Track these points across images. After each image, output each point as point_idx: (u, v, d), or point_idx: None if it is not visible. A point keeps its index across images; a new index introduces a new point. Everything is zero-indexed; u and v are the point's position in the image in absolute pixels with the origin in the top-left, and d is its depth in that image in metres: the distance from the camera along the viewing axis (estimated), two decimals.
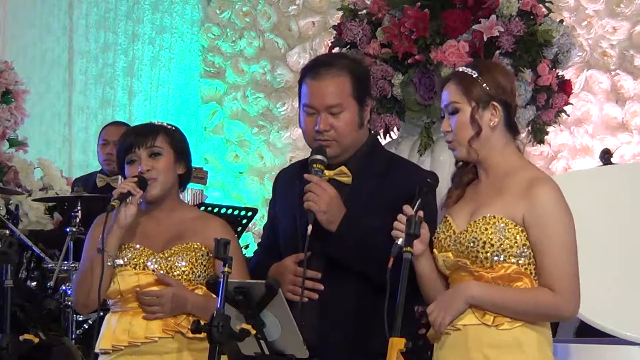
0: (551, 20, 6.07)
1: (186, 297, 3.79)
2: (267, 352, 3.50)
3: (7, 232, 6.72)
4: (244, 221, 6.47)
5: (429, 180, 3.52)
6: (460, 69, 3.56)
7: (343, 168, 3.82)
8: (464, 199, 3.54)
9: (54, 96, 9.74)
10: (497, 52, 5.84)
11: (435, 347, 3.50)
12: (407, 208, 3.43)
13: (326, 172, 3.81)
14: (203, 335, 3.34)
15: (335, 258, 3.73)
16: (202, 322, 3.36)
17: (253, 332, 3.43)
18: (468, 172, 3.57)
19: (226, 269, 3.38)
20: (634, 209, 4.32)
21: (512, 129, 3.53)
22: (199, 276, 3.83)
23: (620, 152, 9.11)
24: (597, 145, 9.04)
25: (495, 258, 3.38)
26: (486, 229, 3.39)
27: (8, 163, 8.15)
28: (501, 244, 3.38)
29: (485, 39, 5.80)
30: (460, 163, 3.59)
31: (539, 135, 6.26)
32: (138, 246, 3.86)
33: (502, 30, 5.83)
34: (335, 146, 3.79)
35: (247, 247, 7.84)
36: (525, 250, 3.39)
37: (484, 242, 3.38)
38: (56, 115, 9.76)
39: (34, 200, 7.76)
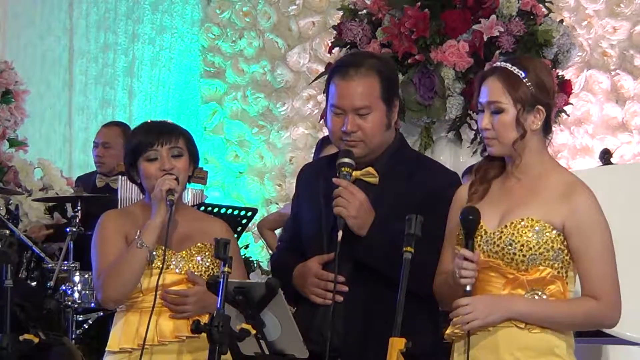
0: (551, 20, 6.08)
1: (213, 296, 3.78)
2: (267, 352, 3.50)
3: (7, 232, 6.72)
4: (244, 221, 6.47)
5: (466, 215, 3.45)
6: (505, 65, 3.49)
7: (370, 169, 3.80)
8: (491, 197, 3.49)
9: (54, 96, 9.74)
10: (497, 52, 5.84)
11: (457, 347, 3.45)
12: (465, 252, 3.36)
13: (353, 172, 3.80)
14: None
15: (362, 261, 3.72)
16: (202, 322, 3.37)
17: (253, 332, 3.43)
18: (495, 166, 3.53)
19: (226, 269, 3.38)
20: (634, 209, 4.31)
21: (547, 129, 3.51)
22: (217, 275, 3.84)
23: (620, 152, 9.11)
24: (597, 145, 9.03)
25: (532, 261, 3.35)
26: (524, 232, 3.36)
27: (8, 163, 8.15)
28: (539, 248, 3.35)
29: (485, 39, 5.81)
30: (486, 154, 3.54)
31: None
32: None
33: (502, 30, 5.83)
34: (362, 147, 3.77)
35: (247, 247, 7.86)
36: (560, 254, 3.37)
37: (522, 245, 3.35)
38: (56, 115, 9.76)
39: (34, 200, 7.76)
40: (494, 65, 3.59)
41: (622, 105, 9.18)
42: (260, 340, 3.48)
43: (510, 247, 3.36)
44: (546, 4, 6.13)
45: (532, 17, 5.96)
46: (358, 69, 3.78)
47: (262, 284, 3.44)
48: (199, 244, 3.88)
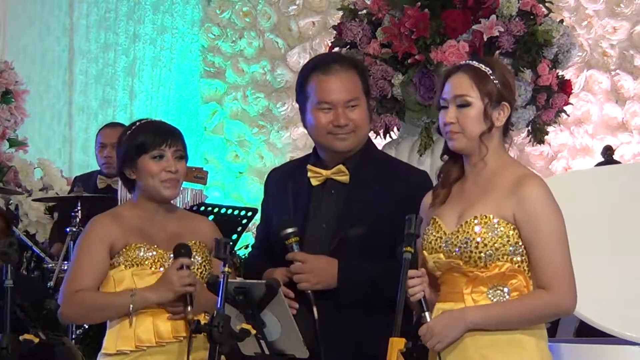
0: (551, 20, 6.07)
1: (207, 295, 3.79)
2: (267, 352, 3.50)
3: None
4: (244, 221, 6.46)
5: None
6: (471, 63, 3.51)
7: (341, 167, 3.82)
8: (450, 199, 3.52)
9: (54, 96, 9.75)
10: (497, 52, 5.84)
11: (430, 352, 3.46)
12: (410, 272, 3.38)
13: (323, 171, 3.82)
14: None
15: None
16: (202, 322, 3.37)
17: (253, 332, 3.43)
18: (456, 169, 3.54)
19: (226, 269, 3.38)
20: (634, 209, 4.32)
21: (506, 129, 3.54)
22: (209, 273, 3.85)
23: (620, 152, 9.11)
24: (597, 145, 9.04)
25: (490, 257, 3.37)
26: (478, 229, 3.38)
27: (8, 163, 8.16)
28: (494, 243, 3.36)
29: (485, 39, 5.80)
30: (446, 157, 3.56)
31: (539, 135, 6.25)
32: (145, 247, 3.85)
33: (502, 30, 5.83)
34: (353, 138, 3.80)
35: (247, 247, 7.85)
36: (519, 248, 3.38)
37: (477, 242, 3.37)
38: (56, 115, 9.77)
39: (34, 200, 7.76)
40: (459, 63, 3.60)
41: (622, 105, 9.19)
42: (260, 340, 3.48)
43: (466, 246, 3.37)
44: (546, 4, 6.12)
45: (532, 17, 5.96)
46: (340, 64, 3.82)
47: (262, 284, 3.44)
48: (190, 243, 3.88)
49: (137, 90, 9.96)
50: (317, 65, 3.86)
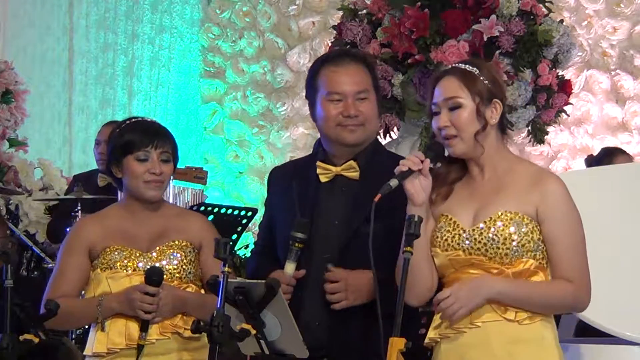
0: (551, 20, 6.08)
1: (184, 296, 3.79)
2: (267, 352, 3.50)
3: (7, 232, 6.72)
4: (244, 221, 6.46)
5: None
6: (457, 65, 3.54)
7: (352, 163, 3.82)
8: (458, 198, 3.51)
9: (54, 96, 9.74)
10: (497, 52, 5.84)
11: (443, 349, 3.45)
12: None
13: (333, 168, 3.82)
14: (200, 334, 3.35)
15: (346, 262, 3.73)
16: (201, 322, 3.37)
17: (253, 332, 3.43)
18: (454, 169, 3.55)
19: (226, 269, 3.38)
20: (634, 209, 4.32)
21: (503, 127, 3.54)
22: (189, 273, 3.84)
23: None
24: (597, 145, 9.02)
25: (515, 253, 3.37)
26: (505, 225, 3.38)
27: (8, 163, 8.15)
28: (520, 239, 3.38)
29: (485, 39, 5.81)
30: (436, 162, 3.56)
31: (539, 135, 6.26)
32: (122, 249, 3.84)
33: (502, 30, 5.83)
34: (362, 131, 3.81)
35: (247, 247, 7.85)
36: (540, 244, 3.40)
37: (505, 238, 3.37)
38: (56, 115, 9.76)
39: (34, 200, 7.76)
40: (446, 68, 3.60)
41: (622, 105, 9.18)
42: (260, 340, 3.48)
43: (493, 242, 3.38)
44: (546, 4, 6.12)
45: (532, 17, 5.96)
46: (350, 58, 3.86)
47: (262, 284, 3.44)
48: (170, 242, 3.86)
49: (136, 90, 9.95)
50: (327, 59, 3.89)
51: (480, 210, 3.44)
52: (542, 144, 6.82)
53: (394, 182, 3.41)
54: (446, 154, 3.54)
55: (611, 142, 9.10)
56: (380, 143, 4.02)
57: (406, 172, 3.43)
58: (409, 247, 3.33)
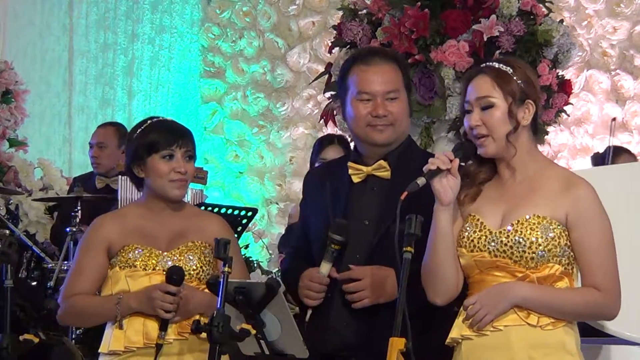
0: (551, 20, 6.07)
1: (203, 297, 3.78)
2: (267, 352, 3.50)
3: (7, 232, 6.73)
4: (244, 221, 6.46)
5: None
6: (491, 64, 3.51)
7: (382, 162, 3.82)
8: (488, 198, 3.49)
9: (54, 96, 9.75)
10: (497, 52, 5.84)
11: (465, 350, 3.43)
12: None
13: (364, 168, 3.81)
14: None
15: (374, 261, 3.72)
16: (202, 322, 3.37)
17: (253, 332, 3.43)
18: (484, 170, 3.52)
19: (226, 269, 3.38)
20: (634, 209, 4.31)
21: (536, 129, 3.52)
22: (208, 274, 3.84)
23: None
24: (597, 145, 9.02)
25: (541, 258, 3.35)
26: (532, 229, 3.36)
27: (8, 163, 8.16)
28: (547, 244, 3.36)
29: (485, 39, 5.80)
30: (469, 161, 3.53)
31: (539, 135, 6.24)
32: (141, 248, 3.85)
33: (502, 30, 5.83)
34: (391, 131, 3.80)
35: (247, 247, 7.84)
36: (567, 250, 3.38)
37: (531, 242, 3.35)
38: (56, 115, 9.76)
39: (34, 200, 7.76)
40: (480, 66, 3.59)
41: (622, 105, 9.17)
42: (260, 340, 3.48)
43: (519, 245, 3.36)
44: (546, 4, 6.12)
45: (532, 17, 5.95)
46: (381, 57, 3.84)
47: (262, 284, 3.44)
48: (189, 243, 3.87)
49: (136, 90, 9.95)
50: (358, 57, 3.88)
51: (509, 212, 3.42)
52: (542, 144, 6.81)
53: (421, 181, 3.39)
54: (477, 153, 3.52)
55: (611, 142, 9.09)
56: (413, 142, 3.99)
57: (435, 170, 3.40)
58: (409, 247, 3.33)
